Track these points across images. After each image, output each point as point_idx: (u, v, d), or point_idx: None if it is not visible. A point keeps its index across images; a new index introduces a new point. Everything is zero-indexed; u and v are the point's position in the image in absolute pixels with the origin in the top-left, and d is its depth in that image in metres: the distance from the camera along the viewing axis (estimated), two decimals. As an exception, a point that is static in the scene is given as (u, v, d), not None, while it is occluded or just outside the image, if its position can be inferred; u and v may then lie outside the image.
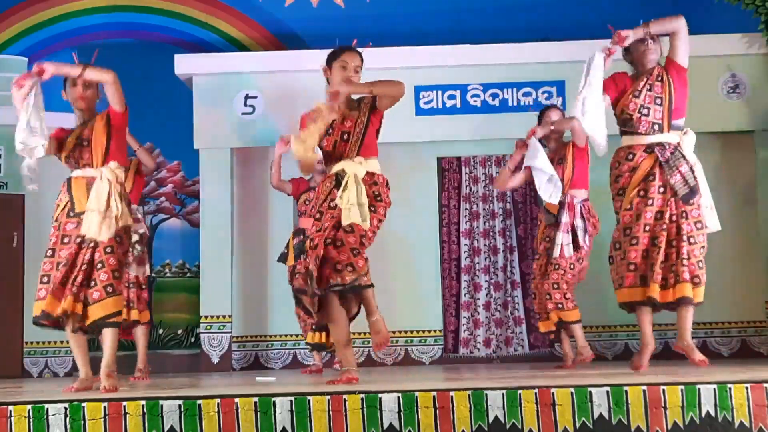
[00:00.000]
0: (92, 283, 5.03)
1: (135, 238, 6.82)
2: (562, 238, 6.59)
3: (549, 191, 6.46)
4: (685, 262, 5.29)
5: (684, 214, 5.33)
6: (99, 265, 5.05)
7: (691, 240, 5.32)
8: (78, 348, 5.24)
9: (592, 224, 6.72)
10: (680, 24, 5.43)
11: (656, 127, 5.39)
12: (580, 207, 6.68)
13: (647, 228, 5.32)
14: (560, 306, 6.68)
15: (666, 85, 5.42)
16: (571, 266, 6.66)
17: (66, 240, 5.12)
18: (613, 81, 5.51)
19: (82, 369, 5.22)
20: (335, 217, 5.10)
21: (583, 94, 5.31)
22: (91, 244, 5.07)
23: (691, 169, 5.36)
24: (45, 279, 5.06)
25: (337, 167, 5.17)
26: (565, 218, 6.60)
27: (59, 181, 5.44)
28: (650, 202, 5.33)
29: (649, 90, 5.41)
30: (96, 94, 5.36)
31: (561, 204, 6.64)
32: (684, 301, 5.30)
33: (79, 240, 5.09)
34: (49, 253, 5.12)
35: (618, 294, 5.46)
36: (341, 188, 5.08)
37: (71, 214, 5.16)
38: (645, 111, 5.40)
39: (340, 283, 5.00)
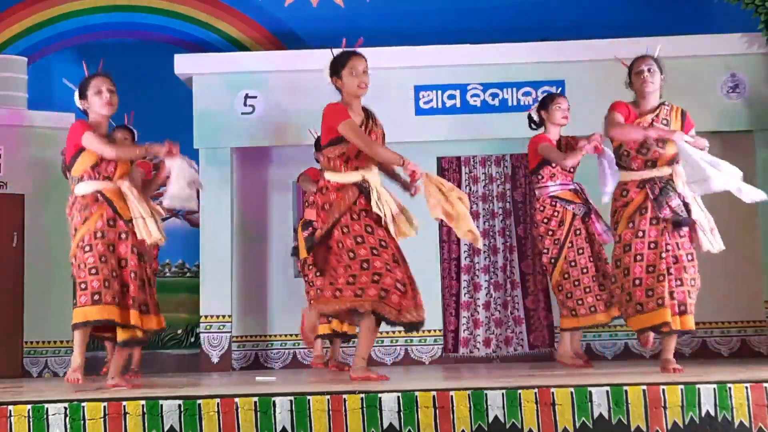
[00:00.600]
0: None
1: None
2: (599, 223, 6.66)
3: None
4: (682, 290, 5.46)
5: (678, 246, 5.49)
6: (150, 282, 5.48)
7: (688, 270, 5.50)
8: (84, 343, 5.43)
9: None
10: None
11: (649, 164, 5.55)
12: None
13: (638, 258, 5.45)
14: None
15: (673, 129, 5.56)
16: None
17: (112, 249, 5.34)
18: (628, 110, 5.61)
19: (80, 358, 5.41)
20: (379, 235, 5.21)
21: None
22: (145, 258, 5.45)
23: (684, 202, 5.49)
24: (107, 284, 5.26)
25: (355, 177, 5.28)
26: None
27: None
28: (641, 234, 5.47)
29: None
30: (117, 102, 5.55)
31: (578, 192, 6.73)
32: (686, 333, 5.55)
33: (136, 251, 5.38)
34: (103, 259, 5.30)
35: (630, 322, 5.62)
36: (375, 198, 5.22)
37: (111, 223, 5.37)
38: (644, 151, 5.55)
39: (417, 320, 5.16)
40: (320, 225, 5.32)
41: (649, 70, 5.62)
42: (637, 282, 5.41)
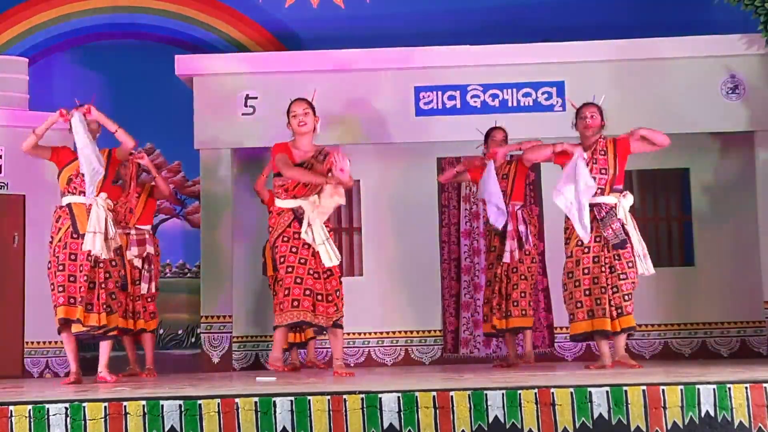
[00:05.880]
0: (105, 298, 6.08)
1: (136, 262, 7.44)
2: (510, 244, 7.22)
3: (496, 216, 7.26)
4: (618, 296, 6.33)
5: (617, 256, 6.37)
6: (106, 285, 6.05)
7: (622, 276, 6.35)
8: (72, 347, 6.16)
9: (533, 225, 7.46)
10: (665, 142, 6.44)
11: (598, 191, 6.39)
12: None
13: (587, 271, 6.37)
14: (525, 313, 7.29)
15: (610, 159, 6.41)
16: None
17: (73, 257, 5.99)
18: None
19: (74, 365, 6.15)
20: (308, 246, 6.01)
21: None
22: (101, 264, 6.00)
23: (623, 226, 6.37)
24: (61, 288, 5.99)
25: (292, 203, 6.08)
26: (510, 226, 7.25)
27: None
28: (587, 250, 6.39)
29: (595, 163, 6.41)
30: (98, 131, 6.14)
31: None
32: (627, 330, 6.38)
33: (92, 259, 5.97)
34: (61, 267, 6.01)
35: (571, 327, 6.49)
36: (305, 225, 6.00)
37: (75, 235, 5.95)
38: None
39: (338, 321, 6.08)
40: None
41: (592, 115, 6.49)
42: (587, 292, 6.34)
